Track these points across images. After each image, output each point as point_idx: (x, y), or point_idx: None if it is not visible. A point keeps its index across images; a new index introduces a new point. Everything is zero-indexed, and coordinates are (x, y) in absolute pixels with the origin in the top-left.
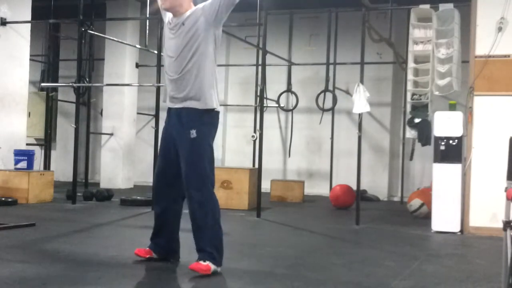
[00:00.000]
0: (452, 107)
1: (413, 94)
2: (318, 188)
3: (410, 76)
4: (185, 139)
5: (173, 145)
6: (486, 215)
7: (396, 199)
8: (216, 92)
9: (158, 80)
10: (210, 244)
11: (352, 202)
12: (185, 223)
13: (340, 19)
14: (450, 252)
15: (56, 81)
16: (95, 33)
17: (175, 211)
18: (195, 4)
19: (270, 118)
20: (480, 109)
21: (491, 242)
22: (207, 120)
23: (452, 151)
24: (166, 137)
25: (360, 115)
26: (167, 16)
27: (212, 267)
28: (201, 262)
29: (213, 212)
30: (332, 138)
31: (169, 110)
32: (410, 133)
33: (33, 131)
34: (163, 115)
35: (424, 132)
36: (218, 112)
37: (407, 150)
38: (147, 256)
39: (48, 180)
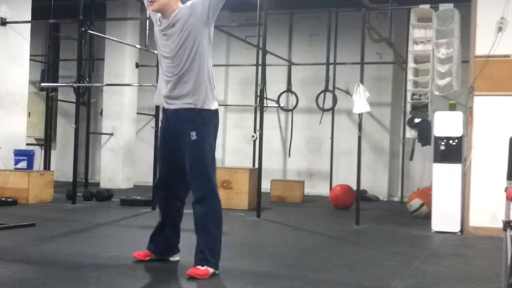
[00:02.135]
0: (452, 107)
1: (413, 94)
2: (318, 188)
3: (410, 76)
4: (186, 141)
5: (173, 146)
6: (486, 215)
7: (396, 199)
8: (213, 91)
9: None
10: (208, 247)
11: (352, 202)
12: (186, 223)
13: (340, 19)
14: (450, 252)
15: (56, 81)
16: (95, 33)
17: (177, 207)
18: (183, 2)
19: (270, 118)
20: (480, 109)
21: (491, 242)
22: (206, 120)
23: (452, 151)
24: (165, 138)
25: (360, 115)
26: (156, 16)
27: (210, 270)
28: (199, 267)
29: (213, 214)
30: (332, 138)
31: (165, 111)
32: (410, 133)
33: (33, 131)
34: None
35: (424, 132)
36: (216, 111)
37: (407, 150)
38: (147, 258)
39: (48, 180)
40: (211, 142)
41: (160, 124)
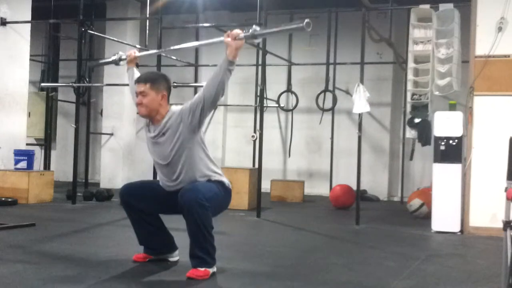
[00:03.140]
0: (452, 107)
1: (413, 94)
2: (318, 188)
3: (410, 76)
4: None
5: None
6: (486, 215)
7: (396, 199)
8: (216, 168)
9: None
10: (203, 249)
11: (352, 202)
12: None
13: (340, 19)
14: (450, 252)
15: (56, 81)
16: (95, 33)
17: (155, 223)
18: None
19: (270, 118)
20: (480, 109)
21: (491, 242)
22: (218, 184)
23: (452, 151)
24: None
25: (360, 115)
26: (144, 121)
27: (210, 271)
28: (198, 268)
29: (204, 222)
30: (332, 138)
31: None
32: (410, 133)
33: (33, 131)
34: None
35: (424, 132)
36: (229, 190)
37: (407, 150)
38: (147, 260)
39: (48, 180)
40: (220, 199)
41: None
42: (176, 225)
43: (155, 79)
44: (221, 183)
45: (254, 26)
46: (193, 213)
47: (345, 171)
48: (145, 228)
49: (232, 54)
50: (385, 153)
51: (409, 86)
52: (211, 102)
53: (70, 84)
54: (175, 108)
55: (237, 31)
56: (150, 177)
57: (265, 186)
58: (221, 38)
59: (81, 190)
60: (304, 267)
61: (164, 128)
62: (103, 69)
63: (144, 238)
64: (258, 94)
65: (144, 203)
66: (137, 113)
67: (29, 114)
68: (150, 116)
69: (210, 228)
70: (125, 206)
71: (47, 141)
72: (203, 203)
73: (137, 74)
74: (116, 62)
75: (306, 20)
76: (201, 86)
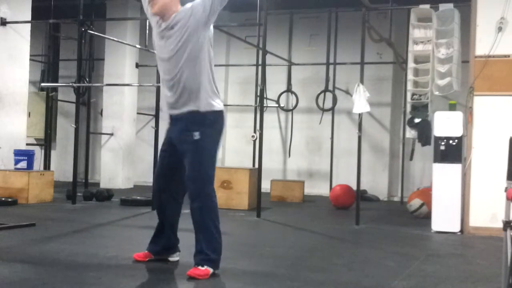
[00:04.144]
0: (452, 107)
1: (413, 94)
2: (318, 188)
3: (410, 76)
4: (188, 141)
5: (173, 151)
6: (486, 215)
7: (396, 199)
8: (216, 92)
9: (158, 80)
10: (208, 246)
11: (352, 202)
12: (186, 223)
13: (340, 19)
14: (450, 252)
15: (56, 81)
16: (95, 33)
17: (174, 210)
18: (182, 4)
19: (270, 118)
20: (480, 109)
21: (491, 242)
22: (211, 122)
23: (452, 151)
24: (167, 142)
25: (360, 115)
26: (154, 19)
27: (210, 270)
28: (199, 267)
29: (211, 214)
30: (332, 138)
31: (171, 116)
32: (410, 133)
33: (33, 131)
34: (163, 115)
35: (424, 132)
36: (221, 112)
37: (407, 150)
38: (146, 259)
39: (48, 180)
40: (214, 144)
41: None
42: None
43: None
44: (218, 114)
45: None
46: (201, 206)
47: (345, 171)
48: (165, 219)
49: None
50: (385, 153)
51: (409, 86)
52: None
53: (70, 84)
54: (187, 5)
55: None
56: (150, 177)
57: (265, 186)
58: None
59: (81, 190)
60: (304, 267)
61: (174, 21)
62: (103, 69)
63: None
64: (258, 94)
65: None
66: (137, 113)
67: (29, 114)
68: (162, 13)
69: (217, 221)
70: (159, 196)
71: (47, 141)
72: (211, 193)
73: None
74: None
75: None
76: None
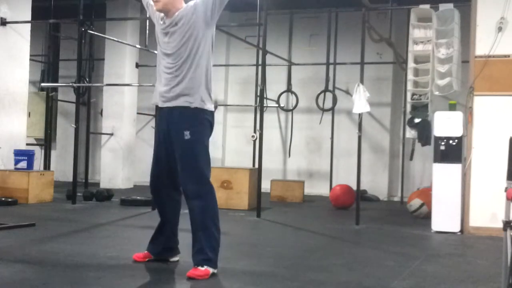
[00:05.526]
0: (452, 107)
1: (413, 94)
2: (318, 188)
3: (410, 76)
4: (179, 141)
5: (166, 147)
6: (486, 215)
7: (396, 199)
8: (210, 92)
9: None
10: (208, 245)
11: (352, 202)
12: (186, 224)
13: (340, 19)
14: (450, 252)
15: (56, 81)
16: (95, 33)
17: (174, 207)
18: (185, 1)
19: (270, 118)
20: (480, 109)
21: (491, 242)
22: (201, 119)
23: (452, 151)
24: (159, 139)
25: (360, 115)
26: (157, 16)
27: (210, 270)
28: (199, 267)
29: (210, 213)
30: (332, 138)
31: (161, 110)
32: (410, 133)
33: (33, 131)
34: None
35: (424, 132)
36: (212, 113)
37: (407, 150)
38: (146, 259)
39: (48, 180)
40: (206, 142)
41: (156, 123)
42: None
43: None
44: (208, 113)
45: None
46: (200, 205)
47: (345, 171)
48: (165, 217)
49: None
50: (385, 153)
51: (409, 86)
52: None
53: (70, 84)
54: (190, 3)
55: None
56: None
57: (265, 186)
58: None
59: (81, 190)
60: (304, 267)
61: (177, 17)
62: (103, 69)
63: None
64: (258, 94)
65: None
66: (137, 113)
67: (29, 114)
68: (166, 10)
69: (217, 220)
70: (157, 196)
71: (47, 141)
72: (209, 192)
73: None
74: None
75: None
76: None
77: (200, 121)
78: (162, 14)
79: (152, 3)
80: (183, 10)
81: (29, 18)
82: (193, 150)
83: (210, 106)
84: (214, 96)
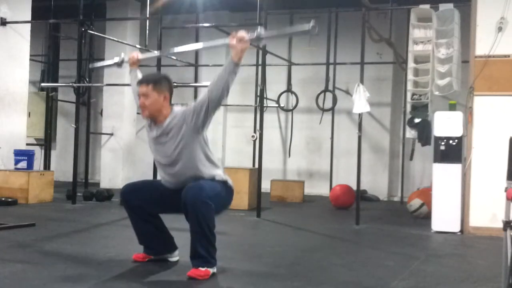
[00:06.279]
0: (452, 107)
1: (413, 94)
2: (318, 188)
3: (410, 76)
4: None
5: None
6: (486, 215)
7: (396, 199)
8: (215, 164)
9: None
10: (205, 247)
11: (352, 202)
12: (185, 223)
13: (340, 19)
14: (450, 252)
15: (56, 81)
16: (95, 33)
17: (155, 223)
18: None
19: (270, 118)
20: (480, 109)
21: (491, 242)
22: (219, 184)
23: (452, 151)
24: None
25: (360, 115)
26: (146, 121)
27: (211, 271)
28: (199, 268)
29: (207, 221)
30: (332, 138)
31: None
32: (410, 133)
33: (33, 131)
34: None
35: (424, 132)
36: (226, 182)
37: (407, 150)
38: (146, 259)
39: (48, 180)
40: (220, 192)
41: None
42: (176, 225)
43: (157, 81)
44: (224, 182)
45: (259, 29)
46: (196, 211)
47: (345, 171)
48: (146, 228)
49: (238, 56)
50: (385, 153)
51: (409, 86)
52: (216, 104)
53: (70, 84)
54: (177, 109)
55: (242, 33)
56: (150, 177)
57: (265, 186)
58: (226, 41)
59: (81, 190)
60: (304, 267)
61: (167, 128)
62: (103, 69)
63: (144, 238)
64: (258, 94)
65: (145, 202)
66: (137, 113)
67: (29, 114)
68: (153, 117)
69: (212, 227)
70: (126, 206)
71: (47, 141)
72: (207, 201)
73: (139, 75)
74: (119, 65)
75: (311, 24)
76: (202, 86)
77: (220, 186)
78: (149, 121)
79: (139, 77)
80: (172, 119)
81: (29, 18)
82: (203, 182)
83: (221, 176)
84: None
